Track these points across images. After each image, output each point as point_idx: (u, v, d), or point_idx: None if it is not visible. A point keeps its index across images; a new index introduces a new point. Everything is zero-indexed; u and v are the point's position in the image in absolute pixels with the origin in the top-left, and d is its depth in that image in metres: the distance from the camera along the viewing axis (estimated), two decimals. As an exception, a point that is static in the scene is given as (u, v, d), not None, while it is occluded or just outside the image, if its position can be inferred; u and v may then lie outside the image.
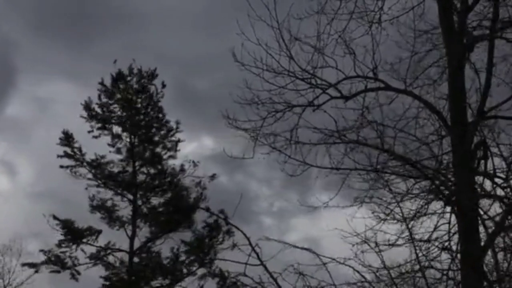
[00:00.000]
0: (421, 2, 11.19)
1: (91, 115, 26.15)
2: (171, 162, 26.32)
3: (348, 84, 11.15)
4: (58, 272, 24.84)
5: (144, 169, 26.19)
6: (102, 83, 26.35)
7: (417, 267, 11.66)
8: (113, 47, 40.98)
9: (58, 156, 25.59)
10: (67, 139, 25.82)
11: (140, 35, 41.50)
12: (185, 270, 25.24)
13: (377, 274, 11.70)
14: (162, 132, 26.58)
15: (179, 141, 26.64)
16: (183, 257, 25.38)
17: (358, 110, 11.23)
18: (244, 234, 11.56)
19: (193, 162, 26.24)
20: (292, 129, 11.10)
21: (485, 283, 10.78)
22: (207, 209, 24.07)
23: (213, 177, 26.21)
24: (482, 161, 11.08)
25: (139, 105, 26.59)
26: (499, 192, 11.37)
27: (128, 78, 26.53)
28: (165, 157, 26.33)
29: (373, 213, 11.73)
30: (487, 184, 11.37)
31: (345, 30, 11.23)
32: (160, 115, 26.68)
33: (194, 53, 38.67)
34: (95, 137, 26.12)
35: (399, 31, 11.37)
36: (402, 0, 11.30)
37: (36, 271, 25.18)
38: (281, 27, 10.93)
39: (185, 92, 35.97)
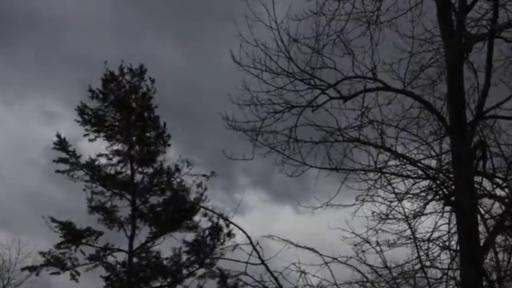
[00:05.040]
0: (420, 2, 11.16)
1: (85, 120, 26.13)
2: (161, 158, 26.45)
3: (347, 85, 11.13)
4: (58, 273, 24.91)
5: (141, 169, 26.24)
6: (90, 90, 26.35)
7: (418, 266, 11.69)
8: (27, 53, 40.30)
9: (54, 161, 25.62)
10: (60, 143, 25.72)
11: (53, 40, 41.02)
12: (185, 271, 25.25)
13: (378, 273, 11.73)
14: (155, 132, 26.62)
15: (167, 142, 26.66)
16: (184, 258, 25.43)
17: (357, 110, 11.24)
18: (245, 233, 11.53)
19: (187, 161, 26.34)
20: (292, 127, 11.06)
21: (485, 283, 10.77)
22: (208, 209, 24.02)
23: (212, 174, 26.18)
24: (482, 161, 11.06)
25: (133, 104, 26.59)
26: (499, 192, 11.39)
27: (120, 79, 26.57)
28: (157, 155, 26.41)
29: (373, 213, 11.74)
30: (487, 184, 11.38)
31: (344, 30, 11.22)
32: (152, 115, 26.71)
33: (109, 58, 38.55)
34: (91, 140, 26.20)
35: (397, 31, 11.36)
36: (401, 0, 11.28)
37: (37, 274, 25.23)
38: (279, 28, 10.92)
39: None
